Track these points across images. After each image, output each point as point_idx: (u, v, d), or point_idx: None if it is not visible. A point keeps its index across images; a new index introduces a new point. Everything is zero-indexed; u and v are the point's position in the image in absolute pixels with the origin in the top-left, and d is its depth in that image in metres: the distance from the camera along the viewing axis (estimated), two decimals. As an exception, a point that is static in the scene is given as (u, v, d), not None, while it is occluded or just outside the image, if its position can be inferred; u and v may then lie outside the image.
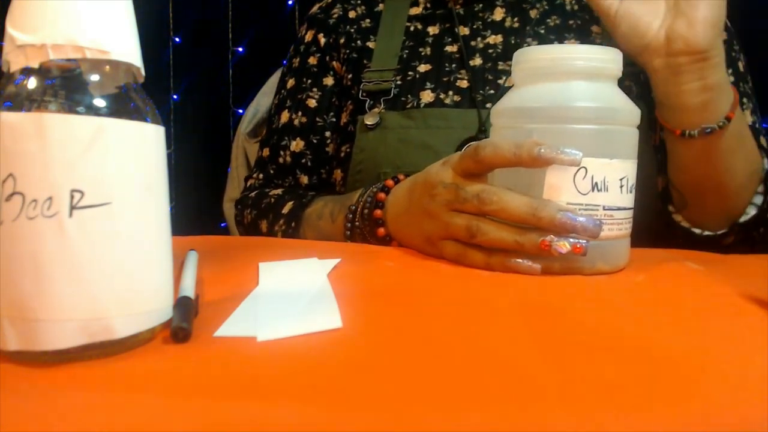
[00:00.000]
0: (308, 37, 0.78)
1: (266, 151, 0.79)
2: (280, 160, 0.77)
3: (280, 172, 0.78)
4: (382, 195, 0.54)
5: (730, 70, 0.67)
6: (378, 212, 0.53)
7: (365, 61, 0.72)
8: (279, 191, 0.75)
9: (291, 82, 0.78)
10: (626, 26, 0.56)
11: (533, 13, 0.70)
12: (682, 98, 0.55)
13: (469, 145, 0.43)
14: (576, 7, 0.70)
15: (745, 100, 0.67)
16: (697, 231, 0.61)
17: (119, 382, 0.21)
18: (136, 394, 0.20)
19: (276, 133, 0.78)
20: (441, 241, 0.45)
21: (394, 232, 0.52)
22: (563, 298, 0.34)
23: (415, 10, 0.74)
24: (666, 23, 0.54)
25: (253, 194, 0.76)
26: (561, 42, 0.68)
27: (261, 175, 0.79)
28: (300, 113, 0.76)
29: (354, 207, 0.57)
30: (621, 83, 0.44)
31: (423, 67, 0.69)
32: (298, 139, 0.76)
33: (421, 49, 0.71)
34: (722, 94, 0.54)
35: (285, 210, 0.69)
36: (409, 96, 0.68)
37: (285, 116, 0.77)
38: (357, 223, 0.56)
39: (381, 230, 0.53)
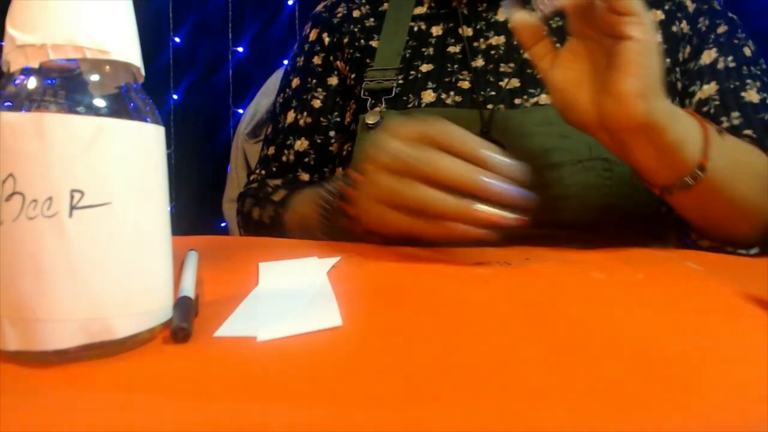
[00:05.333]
0: (312, 35, 0.79)
1: (272, 150, 0.80)
2: (284, 158, 0.78)
3: (282, 169, 0.78)
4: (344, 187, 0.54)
5: (731, 57, 0.66)
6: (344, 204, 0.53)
7: (368, 60, 0.73)
8: (278, 181, 0.76)
9: (296, 82, 0.79)
10: (557, 96, 0.50)
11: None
12: (642, 164, 0.50)
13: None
14: None
15: (749, 81, 0.65)
16: (729, 249, 0.58)
17: (119, 382, 0.21)
18: (136, 394, 0.20)
19: (281, 133, 0.78)
20: (388, 212, 0.45)
21: (370, 222, 0.50)
22: (563, 298, 0.34)
23: (420, 10, 0.74)
24: (595, 99, 0.47)
25: (254, 185, 0.78)
26: (563, 43, 0.68)
27: (263, 172, 0.80)
28: (305, 114, 0.77)
29: (328, 191, 0.57)
30: None
31: (425, 67, 0.69)
32: (302, 138, 0.77)
33: (423, 49, 0.71)
34: (685, 146, 0.48)
35: (277, 198, 0.71)
36: (410, 96, 0.68)
37: (291, 116, 0.78)
38: (328, 207, 0.56)
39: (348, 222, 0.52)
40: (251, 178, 0.82)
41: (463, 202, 0.41)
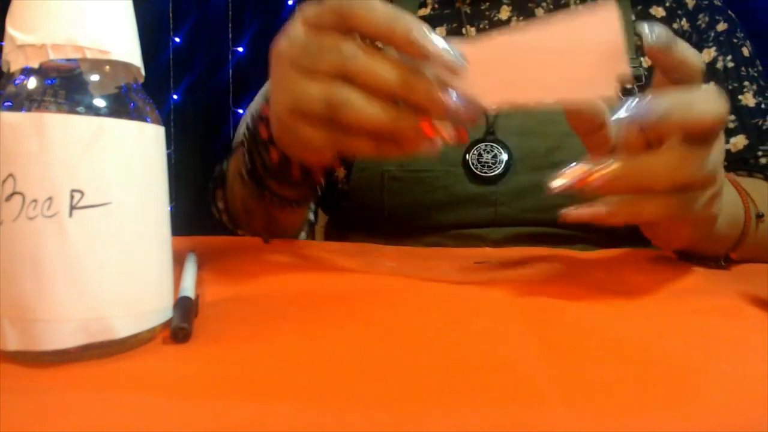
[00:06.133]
0: None
1: None
2: None
3: None
4: (266, 107, 0.42)
5: (729, 57, 0.67)
6: (264, 131, 0.42)
7: None
8: None
9: None
10: None
11: (539, 12, 0.70)
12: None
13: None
14: (581, 8, 0.70)
15: (746, 83, 0.66)
16: None
17: (119, 382, 0.21)
18: (136, 394, 0.20)
19: None
20: (295, 119, 0.34)
21: (280, 144, 0.40)
22: (563, 298, 0.34)
23: (423, 11, 0.74)
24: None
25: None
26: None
27: None
28: None
29: (246, 133, 0.46)
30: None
31: None
32: None
33: None
34: (716, 246, 0.45)
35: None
36: None
37: None
38: (249, 157, 0.46)
39: (273, 153, 0.42)
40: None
41: (396, 113, 0.32)
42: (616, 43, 0.30)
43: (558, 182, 0.33)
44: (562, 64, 0.31)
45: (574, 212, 0.34)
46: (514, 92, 0.32)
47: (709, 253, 0.45)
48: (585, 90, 0.31)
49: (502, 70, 0.32)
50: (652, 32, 0.31)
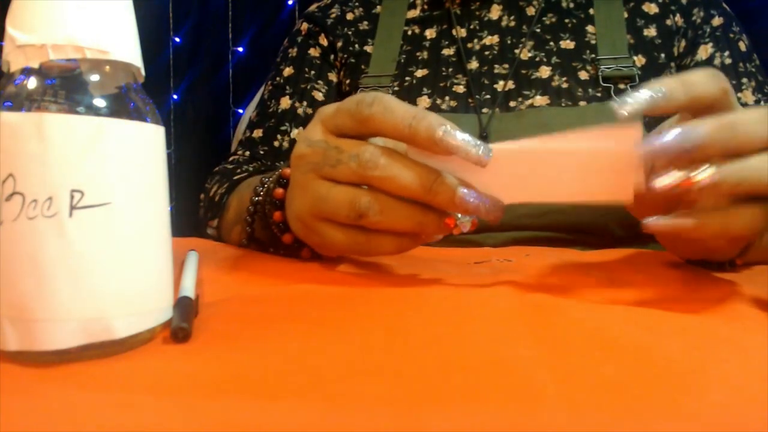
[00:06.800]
0: (305, 30, 0.77)
1: (259, 132, 0.75)
2: (276, 143, 0.73)
3: (272, 155, 0.73)
4: (280, 191, 0.41)
5: (727, 53, 0.67)
6: (278, 214, 0.42)
7: (363, 66, 0.72)
8: (258, 164, 0.72)
9: (289, 71, 0.76)
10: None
11: (530, 11, 0.70)
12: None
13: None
14: (572, 5, 0.70)
15: (745, 80, 0.65)
16: None
17: (119, 382, 0.21)
18: (136, 394, 0.20)
19: (274, 117, 0.74)
20: (318, 223, 0.35)
21: (299, 234, 0.40)
22: (563, 298, 0.34)
23: (413, 13, 0.74)
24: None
25: (230, 166, 0.72)
26: (556, 42, 0.68)
27: (247, 153, 0.75)
28: (305, 103, 0.74)
29: (251, 207, 0.45)
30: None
31: (420, 72, 0.69)
32: (301, 128, 0.73)
33: (418, 53, 0.71)
34: (728, 253, 0.43)
35: (237, 178, 0.66)
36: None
37: (286, 102, 0.74)
38: (256, 234, 0.46)
39: (287, 236, 0.42)
40: (231, 159, 0.75)
41: (422, 217, 0.33)
42: (632, 155, 0.30)
43: (660, 184, 0.30)
44: (581, 168, 0.31)
45: (654, 223, 0.31)
46: (533, 192, 0.33)
47: (716, 259, 0.45)
48: (602, 195, 0.32)
49: (522, 172, 0.33)
50: (623, 106, 0.29)
